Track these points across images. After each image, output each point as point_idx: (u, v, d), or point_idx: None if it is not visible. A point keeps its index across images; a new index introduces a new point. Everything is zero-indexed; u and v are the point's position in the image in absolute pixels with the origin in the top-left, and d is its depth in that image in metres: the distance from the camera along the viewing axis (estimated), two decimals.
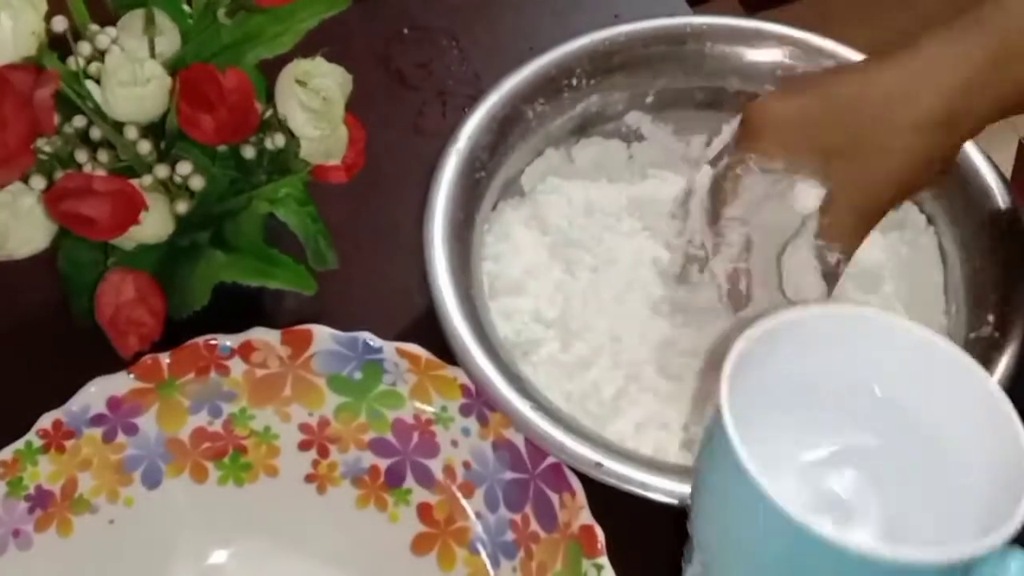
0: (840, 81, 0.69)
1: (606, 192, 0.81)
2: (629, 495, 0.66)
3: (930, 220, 0.79)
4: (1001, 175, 0.77)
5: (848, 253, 0.69)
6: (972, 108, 0.66)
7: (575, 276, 0.77)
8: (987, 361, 0.71)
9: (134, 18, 0.67)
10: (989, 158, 0.78)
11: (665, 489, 0.66)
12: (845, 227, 0.68)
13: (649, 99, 0.83)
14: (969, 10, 0.66)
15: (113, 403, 0.69)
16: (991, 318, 0.73)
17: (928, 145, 0.66)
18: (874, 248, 0.78)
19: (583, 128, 0.83)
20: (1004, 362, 0.71)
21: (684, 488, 0.65)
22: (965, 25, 0.66)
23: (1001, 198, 0.76)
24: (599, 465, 0.66)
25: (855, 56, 0.80)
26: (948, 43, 0.66)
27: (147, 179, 0.66)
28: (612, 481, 0.66)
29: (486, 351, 0.69)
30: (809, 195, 0.68)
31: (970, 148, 0.77)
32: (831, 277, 0.69)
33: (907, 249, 0.79)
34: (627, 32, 0.82)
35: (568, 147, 0.83)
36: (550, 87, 0.80)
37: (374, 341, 0.71)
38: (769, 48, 0.82)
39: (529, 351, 0.74)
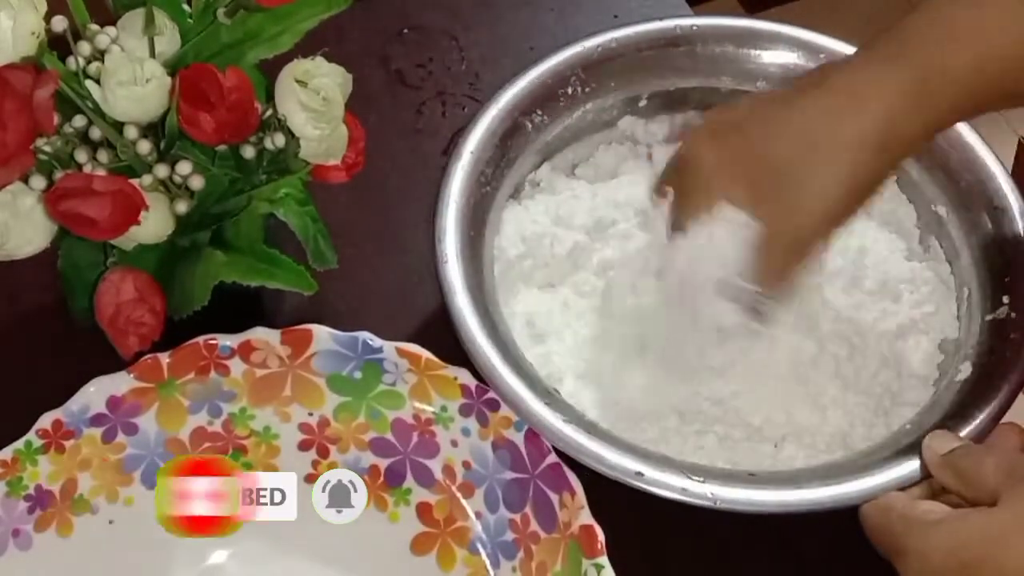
0: (766, 119, 0.67)
1: (608, 194, 0.80)
2: (628, 496, 0.66)
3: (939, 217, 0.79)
4: (1003, 164, 0.77)
5: (775, 298, 0.68)
6: (900, 133, 0.65)
7: (580, 283, 0.77)
8: (1007, 342, 0.70)
9: (134, 18, 0.67)
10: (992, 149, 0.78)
11: (711, 495, 0.65)
12: (775, 262, 0.67)
13: (642, 103, 0.82)
14: (888, 31, 0.66)
15: (113, 403, 0.69)
16: (1007, 299, 0.73)
17: (856, 170, 0.65)
18: (878, 234, 0.79)
19: (579, 135, 0.82)
20: None
21: (723, 491, 0.65)
22: (886, 55, 0.65)
23: (1006, 185, 0.76)
24: (640, 474, 0.65)
25: None
26: (870, 76, 0.65)
27: (147, 179, 0.66)
28: (653, 489, 0.65)
29: (514, 370, 0.69)
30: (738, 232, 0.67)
31: (973, 141, 0.77)
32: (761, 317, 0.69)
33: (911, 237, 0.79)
34: (619, 37, 0.81)
35: (567, 153, 0.82)
36: (547, 97, 0.80)
37: (374, 341, 0.70)
38: (775, 49, 0.81)
39: (537, 352, 0.74)
